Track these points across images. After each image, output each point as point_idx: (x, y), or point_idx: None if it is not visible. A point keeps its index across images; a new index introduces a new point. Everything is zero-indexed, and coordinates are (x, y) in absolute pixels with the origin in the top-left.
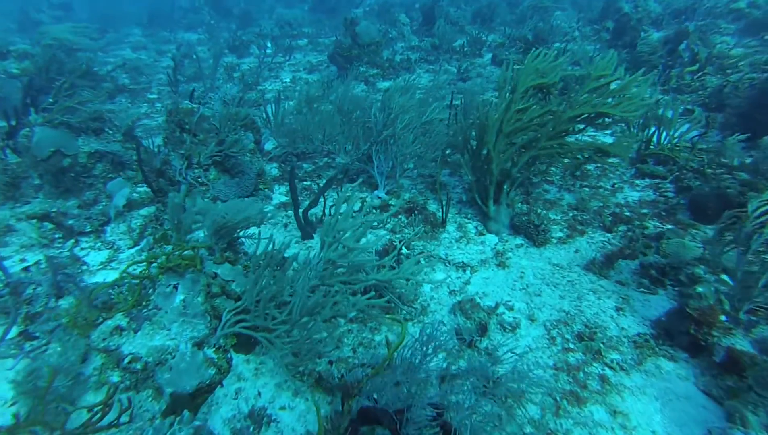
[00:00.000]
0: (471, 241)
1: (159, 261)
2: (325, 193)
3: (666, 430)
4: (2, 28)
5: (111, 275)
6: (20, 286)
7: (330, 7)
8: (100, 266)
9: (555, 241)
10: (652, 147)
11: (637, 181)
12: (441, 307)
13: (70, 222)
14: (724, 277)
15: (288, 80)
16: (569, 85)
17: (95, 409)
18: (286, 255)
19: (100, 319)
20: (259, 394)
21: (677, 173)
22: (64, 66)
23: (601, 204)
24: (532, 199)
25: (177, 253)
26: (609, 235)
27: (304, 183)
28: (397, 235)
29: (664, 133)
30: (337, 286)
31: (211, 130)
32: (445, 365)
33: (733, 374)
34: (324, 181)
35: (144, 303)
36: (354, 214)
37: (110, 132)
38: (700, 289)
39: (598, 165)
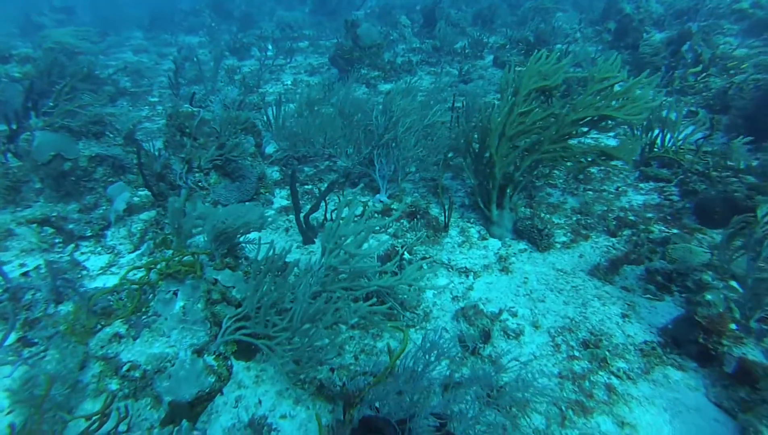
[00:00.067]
0: (474, 245)
1: (159, 267)
2: (327, 198)
3: None
4: (4, 32)
5: (111, 280)
6: (20, 291)
7: (331, 9)
8: (100, 271)
9: (559, 245)
10: (656, 150)
11: (642, 185)
12: (444, 314)
13: (71, 226)
14: (734, 283)
15: (289, 83)
16: (572, 88)
17: (93, 419)
18: (287, 260)
19: (99, 326)
20: (260, 402)
21: (682, 176)
22: (66, 69)
23: (605, 208)
24: (535, 203)
25: (177, 258)
26: (613, 239)
27: (306, 187)
28: (399, 240)
29: (668, 136)
30: (339, 292)
31: (212, 133)
32: (448, 373)
33: (746, 386)
34: (325, 185)
35: (143, 309)
36: (356, 219)
37: (111, 135)
38: (708, 297)
39: (602, 168)
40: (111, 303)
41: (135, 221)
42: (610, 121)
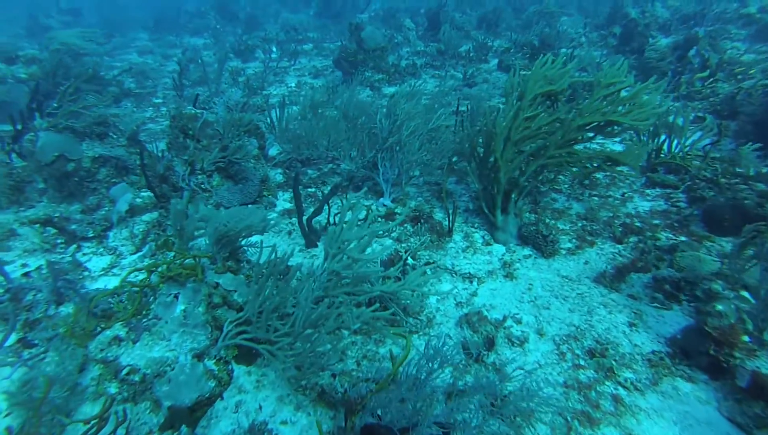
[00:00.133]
0: (478, 251)
1: (160, 269)
2: (330, 201)
3: None
4: (12, 34)
5: (113, 281)
6: (21, 291)
7: (335, 12)
8: (102, 272)
9: (564, 252)
10: (662, 155)
11: (648, 191)
12: (447, 320)
13: (73, 227)
14: (745, 294)
15: (293, 85)
16: (577, 92)
17: (91, 423)
18: (289, 264)
19: (99, 329)
20: (260, 407)
21: (689, 183)
22: (71, 71)
23: (611, 214)
24: (540, 208)
25: (178, 261)
26: (619, 246)
27: (309, 189)
28: (403, 245)
29: (675, 142)
30: (342, 297)
31: (215, 135)
32: (451, 380)
33: (760, 401)
34: (329, 189)
35: (144, 312)
36: (359, 223)
37: (114, 136)
38: (719, 307)
39: (607, 174)
40: (111, 305)
41: (137, 223)
42: (616, 127)
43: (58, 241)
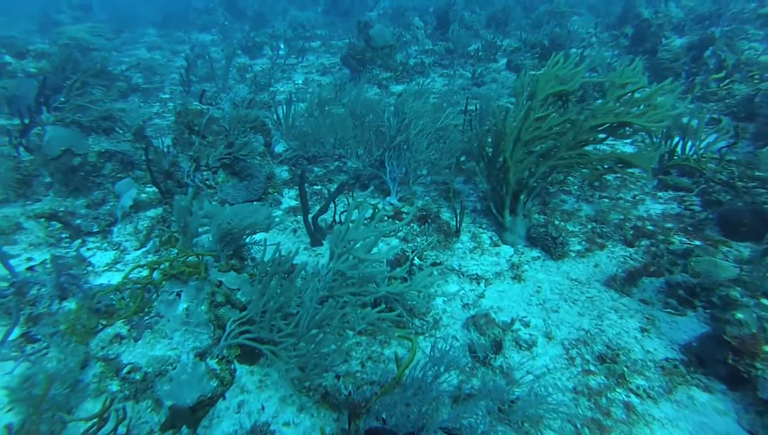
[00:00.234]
0: (485, 252)
1: (162, 267)
2: (336, 199)
3: None
4: (23, 29)
5: (116, 277)
6: (25, 286)
7: (343, 9)
8: (106, 267)
9: (573, 254)
10: (676, 158)
11: (660, 193)
12: (454, 321)
13: (78, 221)
14: (766, 302)
15: (300, 82)
16: (587, 93)
17: (92, 421)
18: (294, 262)
19: (100, 326)
20: (263, 408)
21: (704, 186)
22: (80, 65)
23: (622, 216)
24: (549, 209)
25: (181, 259)
26: (631, 249)
27: (315, 187)
28: (410, 244)
29: (689, 143)
30: (347, 297)
31: (221, 132)
32: (457, 383)
33: None
34: (335, 186)
35: (146, 310)
36: (365, 222)
37: (120, 131)
38: (739, 316)
39: (618, 175)
40: (113, 302)
41: (141, 218)
42: (628, 129)
43: (63, 235)
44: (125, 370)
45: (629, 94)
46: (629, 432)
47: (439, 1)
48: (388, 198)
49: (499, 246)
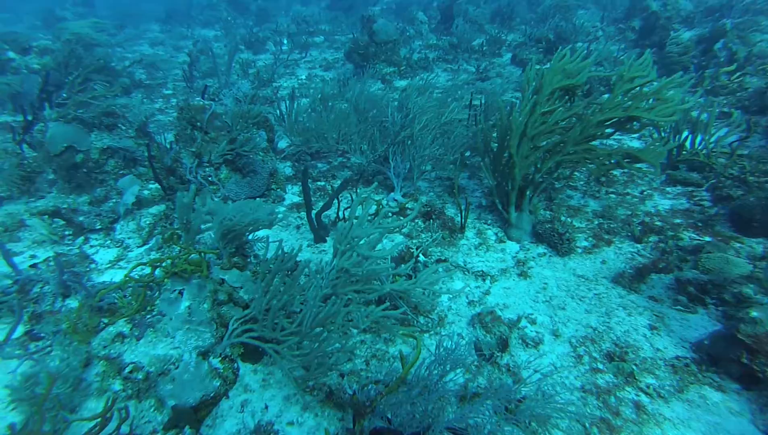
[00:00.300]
0: (491, 248)
1: (164, 264)
2: (340, 195)
3: None
4: (28, 26)
5: (119, 274)
6: (28, 283)
7: (347, 4)
8: (109, 265)
9: (580, 250)
10: (685, 152)
11: (668, 189)
12: (459, 319)
13: (81, 218)
14: None
15: (304, 77)
16: (593, 88)
17: (95, 422)
18: (298, 259)
19: (102, 325)
20: (266, 407)
21: (714, 181)
22: (83, 61)
23: (629, 212)
24: (555, 205)
25: (183, 256)
26: (639, 245)
27: (318, 183)
28: (414, 241)
29: (699, 138)
30: (351, 294)
31: (223, 127)
32: (463, 382)
33: None
34: (338, 182)
35: (148, 308)
36: (369, 218)
37: (123, 127)
38: (754, 314)
39: (625, 171)
40: (115, 301)
41: (144, 215)
42: (636, 123)
43: (66, 232)
44: (127, 370)
45: (637, 88)
46: (639, 432)
47: None
48: (392, 194)
49: (504, 242)
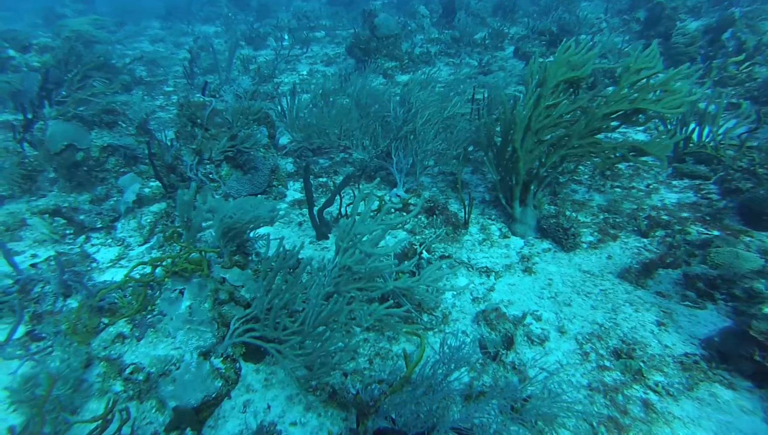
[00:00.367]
0: (495, 244)
1: (164, 263)
2: (342, 192)
3: None
4: (29, 23)
5: (121, 273)
6: (29, 283)
7: None
8: (110, 264)
9: (585, 245)
10: (692, 145)
11: (675, 182)
12: (463, 316)
13: (81, 217)
14: None
15: (305, 73)
16: (597, 80)
17: (96, 423)
18: (300, 257)
19: (102, 326)
20: (269, 407)
21: (722, 173)
22: (83, 59)
23: (635, 206)
24: (560, 199)
25: (183, 255)
26: (645, 240)
27: (320, 179)
28: (417, 237)
29: (706, 130)
30: (353, 292)
31: (224, 124)
32: (468, 380)
33: None
34: (340, 179)
35: (149, 308)
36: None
37: (123, 125)
38: (767, 310)
39: (630, 164)
40: (116, 301)
41: (145, 213)
42: (641, 116)
43: (67, 231)
44: (128, 371)
45: (644, 80)
46: (648, 431)
47: None
48: (394, 190)
49: (508, 238)
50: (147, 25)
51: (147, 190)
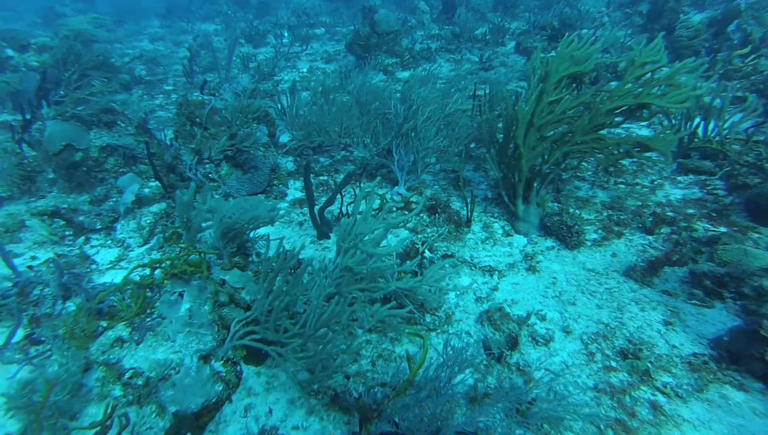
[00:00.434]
0: (498, 242)
1: (163, 265)
2: (343, 190)
3: None
4: (29, 23)
5: (120, 275)
6: (28, 286)
7: None
8: (110, 265)
9: (589, 243)
10: (697, 140)
11: (680, 178)
12: (467, 316)
13: (81, 218)
14: None
15: (305, 70)
16: (600, 75)
17: (95, 429)
18: (301, 257)
19: (100, 329)
20: (271, 411)
21: (728, 169)
22: (82, 58)
23: (640, 203)
24: (563, 196)
25: (182, 257)
26: (650, 237)
27: (321, 178)
28: (419, 236)
29: (712, 124)
30: (355, 293)
31: (223, 123)
32: (472, 382)
33: None
34: (341, 177)
35: (148, 311)
36: (373, 213)
37: (123, 125)
38: None
39: (634, 160)
40: (114, 304)
41: (145, 214)
42: (645, 111)
43: (67, 233)
44: (127, 375)
45: (648, 74)
46: (657, 434)
47: None
48: (396, 188)
49: (511, 236)
50: (147, 23)
51: (146, 190)
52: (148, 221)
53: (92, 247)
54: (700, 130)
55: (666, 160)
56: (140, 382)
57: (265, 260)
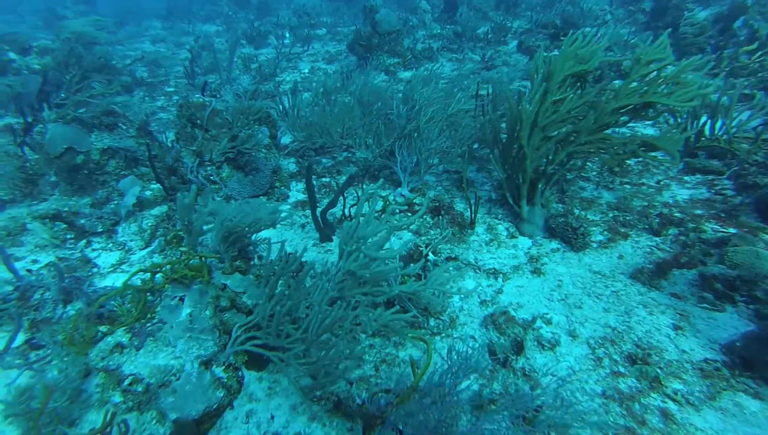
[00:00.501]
0: (502, 244)
1: (164, 269)
2: (345, 192)
3: None
4: (30, 26)
5: (122, 278)
6: (29, 289)
7: None
8: (111, 269)
9: (595, 245)
10: (704, 139)
11: (687, 178)
12: (471, 320)
13: (82, 221)
14: None
15: (306, 71)
16: (604, 73)
17: None
18: (303, 259)
19: (100, 335)
20: (273, 417)
21: (737, 168)
22: (83, 60)
23: (646, 203)
24: (568, 197)
25: (183, 261)
26: (657, 239)
27: (323, 179)
28: (423, 238)
29: (719, 123)
30: (358, 297)
31: (224, 124)
32: (477, 388)
33: None
34: (344, 178)
35: (148, 316)
36: (376, 215)
37: (124, 127)
38: None
39: (639, 160)
40: (114, 309)
41: (146, 217)
42: (651, 110)
43: (68, 236)
44: (127, 382)
45: (654, 73)
46: None
47: None
48: (399, 189)
49: (516, 238)
50: (148, 25)
51: (148, 193)
52: (150, 224)
53: (94, 250)
54: (707, 129)
55: (673, 160)
56: (140, 389)
57: (266, 264)
